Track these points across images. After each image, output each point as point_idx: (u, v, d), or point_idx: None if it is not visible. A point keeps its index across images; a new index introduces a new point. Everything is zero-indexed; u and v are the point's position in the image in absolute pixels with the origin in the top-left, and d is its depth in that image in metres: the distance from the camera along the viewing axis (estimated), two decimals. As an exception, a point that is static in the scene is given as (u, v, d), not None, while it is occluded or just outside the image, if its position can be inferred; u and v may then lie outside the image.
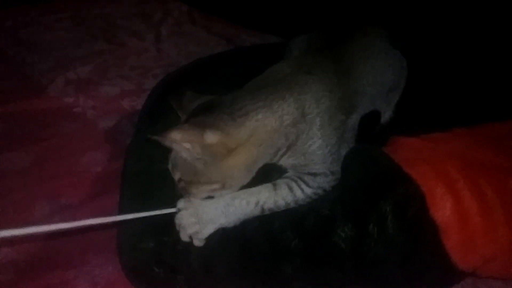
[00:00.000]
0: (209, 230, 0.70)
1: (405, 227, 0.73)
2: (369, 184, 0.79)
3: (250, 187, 0.73)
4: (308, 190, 0.75)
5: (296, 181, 0.75)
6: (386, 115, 1.04)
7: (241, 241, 0.73)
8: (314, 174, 0.75)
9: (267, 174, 0.77)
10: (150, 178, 0.82)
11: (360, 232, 0.73)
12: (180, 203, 0.72)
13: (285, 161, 0.75)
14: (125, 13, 2.22)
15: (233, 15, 2.19)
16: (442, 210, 0.72)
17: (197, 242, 0.70)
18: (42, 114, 1.33)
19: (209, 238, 0.71)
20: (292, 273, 0.72)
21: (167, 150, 0.76)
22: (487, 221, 0.71)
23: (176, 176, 0.70)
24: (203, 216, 0.70)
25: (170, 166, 0.71)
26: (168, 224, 0.71)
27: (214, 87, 1.07)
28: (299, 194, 0.74)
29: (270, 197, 0.73)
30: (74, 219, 0.92)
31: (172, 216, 0.71)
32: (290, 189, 0.74)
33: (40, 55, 1.73)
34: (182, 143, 0.64)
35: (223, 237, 0.72)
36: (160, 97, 1.18)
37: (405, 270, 0.74)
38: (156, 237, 0.72)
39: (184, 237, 0.70)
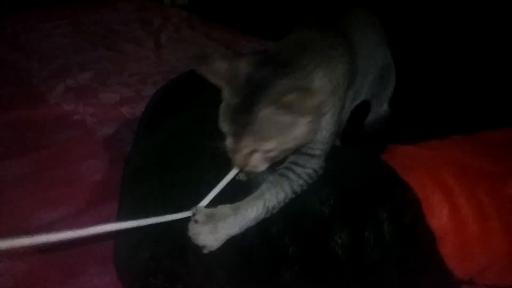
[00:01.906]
0: (222, 242, 0.70)
1: (401, 234, 0.73)
2: (367, 190, 0.80)
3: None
4: (300, 170, 0.75)
5: (288, 168, 0.76)
6: (382, 109, 1.04)
7: (240, 248, 0.73)
8: (310, 155, 0.76)
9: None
10: (150, 187, 0.82)
11: (357, 239, 0.73)
12: (200, 215, 0.70)
13: None
14: (125, 19, 2.24)
15: (232, 21, 2.20)
16: (438, 218, 0.73)
17: (206, 251, 0.70)
18: (41, 122, 1.34)
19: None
20: (291, 280, 0.72)
21: (166, 158, 0.77)
22: (483, 229, 0.72)
23: (268, 145, 0.65)
24: (220, 231, 0.69)
25: (250, 138, 0.64)
26: (162, 233, 0.71)
27: (214, 93, 1.09)
28: (293, 177, 0.75)
29: (272, 194, 0.73)
30: (73, 228, 0.95)
31: (166, 224, 0.71)
32: (286, 177, 0.75)
33: (40, 62, 1.74)
34: (304, 111, 0.63)
35: (222, 244, 0.73)
36: (159, 104, 1.19)
37: (401, 276, 0.74)
38: (151, 247, 0.72)
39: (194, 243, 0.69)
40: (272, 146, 0.65)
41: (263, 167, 0.69)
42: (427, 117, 1.06)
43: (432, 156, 0.86)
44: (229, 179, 0.76)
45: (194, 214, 0.70)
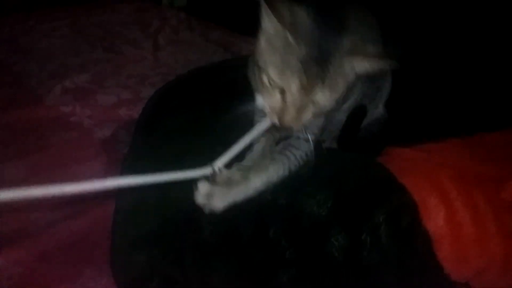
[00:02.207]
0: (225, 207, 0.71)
1: (398, 237, 0.73)
2: (364, 192, 0.80)
3: None
4: (296, 151, 0.79)
5: (286, 149, 0.79)
6: (377, 112, 1.05)
7: (236, 250, 0.73)
8: (305, 139, 0.80)
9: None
10: (145, 190, 0.82)
11: (354, 241, 0.73)
12: (221, 177, 0.71)
13: None
14: (123, 21, 2.23)
15: (230, 22, 2.20)
16: (435, 221, 0.73)
17: (207, 211, 0.70)
18: (39, 124, 1.33)
19: (203, 247, 0.72)
20: (288, 282, 0.72)
21: (163, 161, 0.76)
22: (479, 232, 0.72)
23: (333, 97, 0.66)
24: (230, 197, 0.70)
25: (322, 90, 0.64)
26: (158, 234, 0.71)
27: (212, 96, 1.09)
28: (292, 157, 0.78)
29: (275, 170, 0.76)
30: (71, 231, 0.95)
31: (162, 225, 0.71)
32: (286, 156, 0.78)
33: (38, 63, 1.73)
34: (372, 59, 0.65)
35: (218, 245, 0.73)
36: (156, 106, 1.18)
37: (398, 279, 0.74)
38: (147, 250, 0.72)
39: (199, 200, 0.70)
40: (335, 97, 0.66)
41: (309, 122, 0.71)
42: (423, 119, 1.06)
43: (429, 159, 0.86)
44: (249, 140, 0.76)
45: (213, 174, 0.70)
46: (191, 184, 0.79)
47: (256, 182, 0.73)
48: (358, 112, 0.99)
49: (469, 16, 1.42)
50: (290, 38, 0.62)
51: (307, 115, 0.67)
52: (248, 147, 0.81)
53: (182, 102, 1.13)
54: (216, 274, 0.72)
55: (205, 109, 1.03)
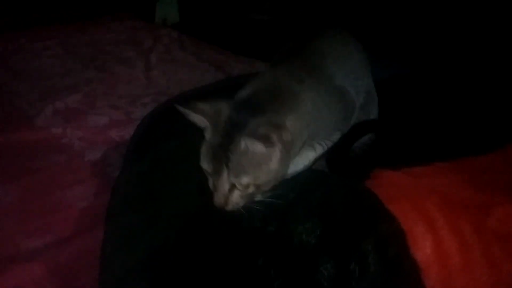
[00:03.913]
0: None
1: (386, 266, 0.74)
2: (352, 221, 0.80)
3: None
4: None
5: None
6: (365, 136, 1.06)
7: (224, 278, 0.73)
8: None
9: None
10: (135, 218, 0.82)
11: (342, 271, 0.74)
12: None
13: None
14: (116, 40, 2.24)
15: (222, 40, 2.23)
16: (422, 249, 0.73)
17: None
18: (29, 146, 1.33)
19: (191, 278, 0.71)
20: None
21: (152, 187, 0.76)
22: (466, 260, 0.72)
23: (245, 179, 0.70)
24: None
25: (229, 174, 0.70)
26: (146, 266, 0.71)
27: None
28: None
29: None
30: (59, 258, 0.93)
31: (152, 257, 0.70)
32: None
33: (29, 83, 1.73)
34: (277, 143, 0.68)
35: (206, 275, 0.72)
36: (148, 129, 1.19)
37: (387, 309, 0.75)
38: (135, 282, 0.71)
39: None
40: (248, 181, 0.70)
41: (243, 203, 0.73)
42: (412, 142, 1.07)
43: (416, 185, 0.87)
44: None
45: None
46: (178, 214, 0.80)
47: None
48: (351, 134, 1.00)
49: (454, 38, 1.46)
50: (208, 130, 0.72)
51: (235, 198, 0.72)
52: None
53: (174, 126, 1.13)
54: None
55: (197, 133, 1.04)
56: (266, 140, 0.67)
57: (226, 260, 0.74)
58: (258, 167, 0.70)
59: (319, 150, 0.84)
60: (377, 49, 1.54)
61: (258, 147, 0.68)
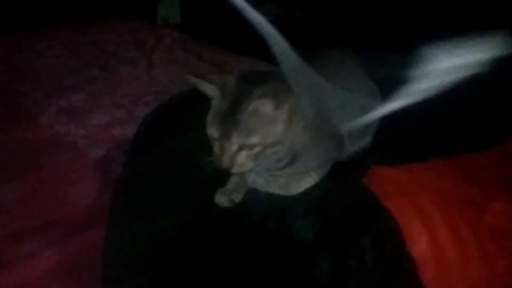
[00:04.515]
0: None
1: (384, 262, 0.75)
2: (350, 217, 0.82)
3: None
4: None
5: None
6: (365, 141, 1.07)
7: (225, 275, 0.75)
8: None
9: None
10: (136, 215, 0.83)
11: (340, 266, 0.75)
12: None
13: None
14: (119, 40, 2.27)
15: (223, 39, 2.25)
16: (419, 245, 0.75)
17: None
18: (33, 144, 1.35)
19: (192, 275, 0.73)
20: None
21: (154, 185, 0.78)
22: (461, 256, 0.74)
23: (254, 139, 0.73)
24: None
25: (238, 134, 0.72)
26: (148, 263, 0.72)
27: (205, 116, 1.10)
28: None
29: None
30: (62, 255, 0.95)
31: (154, 254, 0.71)
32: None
33: (33, 82, 1.75)
34: (285, 104, 0.73)
35: (207, 272, 0.74)
36: (150, 128, 1.20)
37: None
38: (137, 278, 0.73)
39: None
40: (257, 140, 0.73)
41: (249, 165, 0.75)
42: (408, 138, 1.08)
43: (412, 181, 0.88)
44: None
45: None
46: (180, 211, 0.81)
47: None
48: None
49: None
50: (216, 98, 0.76)
51: (241, 159, 0.74)
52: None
53: (176, 124, 1.15)
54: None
55: (200, 133, 1.05)
56: (275, 98, 0.71)
57: (226, 256, 0.76)
58: (265, 127, 0.73)
59: (315, 177, 0.87)
60: (373, 46, 1.56)
61: (267, 107, 0.72)
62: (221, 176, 0.88)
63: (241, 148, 0.73)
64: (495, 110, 1.16)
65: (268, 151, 0.75)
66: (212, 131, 0.74)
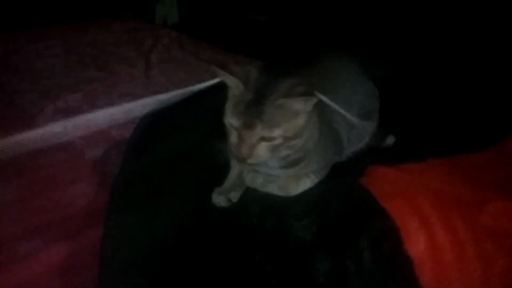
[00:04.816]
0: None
1: (381, 262, 0.75)
2: (347, 218, 0.82)
3: None
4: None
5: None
6: (363, 142, 1.07)
7: (222, 275, 0.74)
8: None
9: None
10: (133, 216, 0.83)
11: (338, 267, 0.75)
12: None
13: None
14: (116, 39, 2.25)
15: (221, 39, 2.24)
16: (416, 245, 0.75)
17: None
18: (29, 144, 1.34)
19: (188, 276, 0.72)
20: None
21: (151, 185, 0.77)
22: (459, 256, 0.74)
23: (276, 132, 0.74)
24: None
25: (262, 126, 0.73)
26: (145, 264, 0.72)
27: (203, 118, 1.11)
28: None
29: None
30: (60, 255, 0.95)
31: (150, 255, 0.71)
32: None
33: (30, 83, 1.73)
34: (307, 99, 0.73)
35: (204, 272, 0.74)
36: (148, 128, 1.20)
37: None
38: (133, 279, 0.73)
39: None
40: (279, 133, 0.74)
41: (266, 157, 0.76)
42: (407, 138, 1.09)
43: (410, 182, 0.88)
44: None
45: None
46: (177, 211, 0.81)
47: None
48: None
49: (448, 36, 1.46)
50: (238, 88, 0.75)
51: (260, 150, 0.75)
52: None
53: (173, 125, 1.15)
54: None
55: (197, 133, 1.05)
56: (304, 96, 0.72)
57: (224, 257, 0.76)
58: (288, 121, 0.74)
59: (313, 179, 0.88)
60: (372, 48, 1.56)
61: (297, 105, 0.73)
62: (219, 174, 0.88)
63: (262, 139, 0.74)
64: (493, 111, 1.16)
65: (286, 143, 0.76)
66: (233, 121, 0.74)
